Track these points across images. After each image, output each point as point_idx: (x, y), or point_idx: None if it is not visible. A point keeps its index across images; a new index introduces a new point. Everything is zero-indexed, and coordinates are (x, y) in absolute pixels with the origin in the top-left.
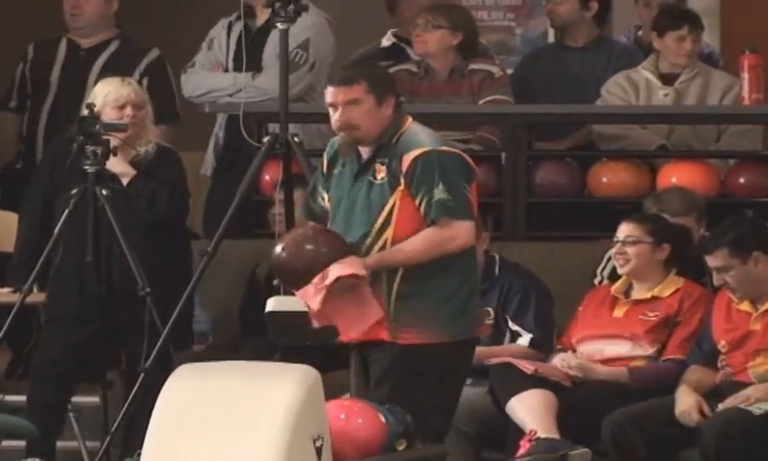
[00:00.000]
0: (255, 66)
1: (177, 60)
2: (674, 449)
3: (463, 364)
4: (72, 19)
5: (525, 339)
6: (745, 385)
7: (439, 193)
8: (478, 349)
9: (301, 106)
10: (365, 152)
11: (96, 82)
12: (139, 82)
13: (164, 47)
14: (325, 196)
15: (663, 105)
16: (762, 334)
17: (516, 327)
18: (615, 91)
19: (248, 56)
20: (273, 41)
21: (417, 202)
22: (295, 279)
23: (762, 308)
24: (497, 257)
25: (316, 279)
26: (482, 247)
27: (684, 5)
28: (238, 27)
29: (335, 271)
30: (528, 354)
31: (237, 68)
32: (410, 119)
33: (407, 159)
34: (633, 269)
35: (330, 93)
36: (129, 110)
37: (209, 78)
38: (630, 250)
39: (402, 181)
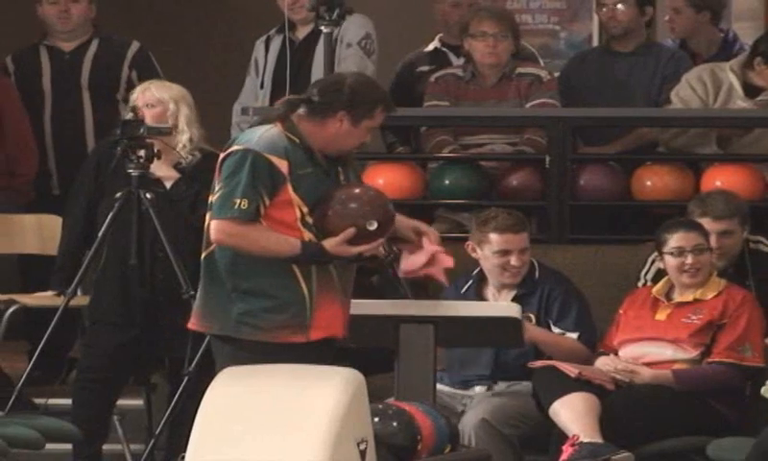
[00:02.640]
0: (302, 79)
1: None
2: None
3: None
4: (60, 23)
5: (573, 336)
6: None
7: None
8: (532, 327)
9: None
10: (321, 156)
11: (90, 82)
12: (129, 75)
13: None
14: (267, 202)
15: (706, 109)
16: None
17: (558, 331)
18: (696, 87)
19: (292, 69)
20: (320, 50)
21: None
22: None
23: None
24: (536, 263)
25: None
26: (526, 250)
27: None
28: (277, 42)
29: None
30: (578, 348)
31: (277, 85)
32: None
33: (356, 165)
34: (704, 277)
35: (383, 120)
36: (144, 110)
37: None
38: (702, 258)
39: None
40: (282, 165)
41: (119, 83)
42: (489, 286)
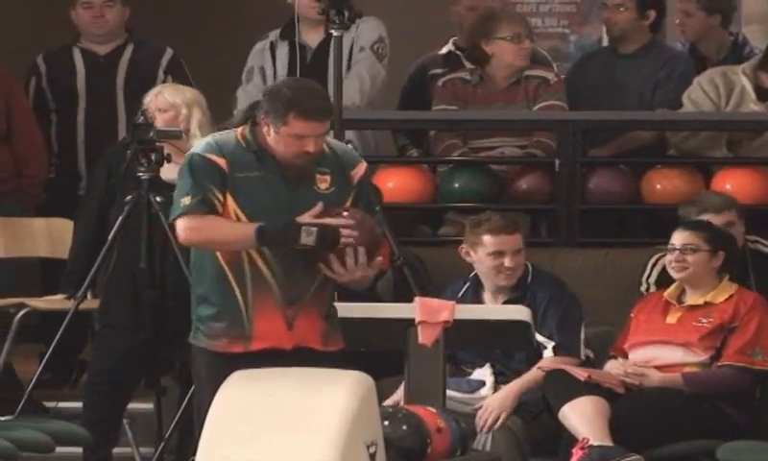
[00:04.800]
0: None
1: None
2: None
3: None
4: (96, 27)
5: (549, 350)
6: None
7: (377, 212)
8: (512, 385)
9: (355, 112)
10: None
11: (125, 85)
12: (164, 80)
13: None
14: (219, 197)
15: (715, 112)
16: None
17: (541, 339)
18: (708, 90)
19: (304, 76)
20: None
21: None
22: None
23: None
24: (531, 267)
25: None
26: (520, 252)
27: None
28: (283, 49)
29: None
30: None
31: None
32: None
33: (357, 174)
34: (689, 276)
35: (317, 127)
36: (154, 114)
37: None
38: (689, 258)
39: (352, 193)
40: (221, 162)
41: (154, 86)
42: (485, 291)
